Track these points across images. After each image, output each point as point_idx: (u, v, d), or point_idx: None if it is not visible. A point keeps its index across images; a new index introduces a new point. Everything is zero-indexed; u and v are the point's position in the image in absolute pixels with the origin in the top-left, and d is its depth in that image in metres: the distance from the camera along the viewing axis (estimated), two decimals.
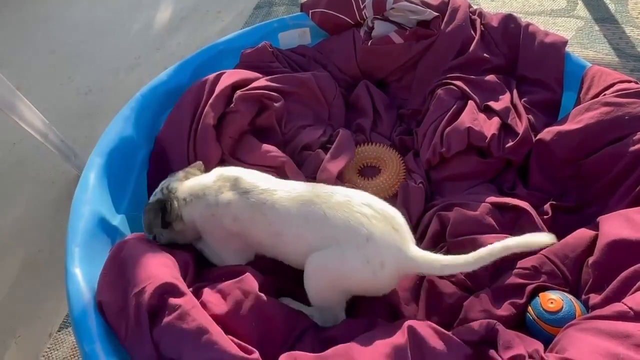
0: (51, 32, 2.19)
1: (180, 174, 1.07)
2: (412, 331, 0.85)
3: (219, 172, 1.03)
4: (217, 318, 0.87)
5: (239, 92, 1.29)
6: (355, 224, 0.87)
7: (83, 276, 0.93)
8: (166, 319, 0.82)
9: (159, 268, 0.90)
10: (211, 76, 1.35)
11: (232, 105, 1.28)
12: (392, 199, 1.26)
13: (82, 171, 1.14)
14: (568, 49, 1.37)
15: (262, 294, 0.94)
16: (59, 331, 1.18)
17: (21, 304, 1.25)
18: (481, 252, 0.87)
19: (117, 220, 1.11)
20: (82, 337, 0.85)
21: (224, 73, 1.36)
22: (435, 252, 1.08)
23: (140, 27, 2.18)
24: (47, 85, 1.92)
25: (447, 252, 1.08)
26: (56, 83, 1.93)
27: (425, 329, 0.86)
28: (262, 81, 1.36)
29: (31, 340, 1.18)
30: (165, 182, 1.06)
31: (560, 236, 1.07)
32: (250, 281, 0.94)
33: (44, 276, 1.30)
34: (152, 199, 1.05)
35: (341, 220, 0.88)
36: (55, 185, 1.53)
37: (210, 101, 1.26)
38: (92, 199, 1.08)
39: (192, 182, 1.03)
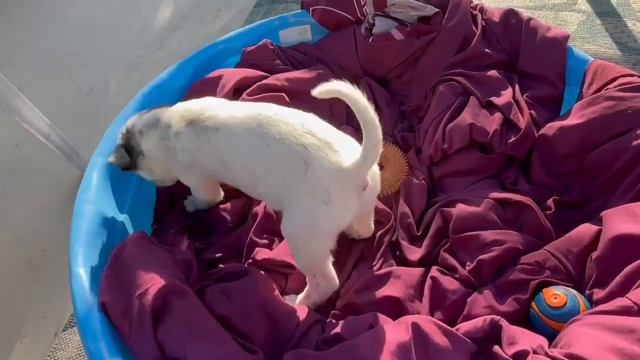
0: (52, 31, 2.19)
1: (144, 111, 1.08)
2: (416, 328, 0.85)
3: (180, 104, 1.04)
4: (221, 318, 0.87)
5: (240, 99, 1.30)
6: (293, 155, 0.86)
7: (87, 276, 0.93)
8: (170, 320, 0.82)
9: (162, 269, 0.90)
10: (213, 75, 1.35)
11: None
12: (394, 196, 1.26)
13: (85, 171, 1.15)
14: (570, 43, 1.36)
15: (266, 294, 0.94)
16: (64, 331, 1.19)
17: (26, 304, 1.25)
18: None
19: (121, 219, 1.11)
20: (87, 336, 0.86)
21: (223, 74, 1.35)
22: (438, 247, 1.10)
23: (140, 26, 2.18)
24: (48, 85, 1.92)
25: (451, 249, 1.08)
26: (57, 83, 1.93)
27: (430, 325, 0.87)
28: (264, 82, 1.36)
29: (37, 340, 1.18)
30: (126, 123, 1.07)
31: (563, 231, 1.07)
32: (254, 281, 0.95)
33: (48, 276, 1.30)
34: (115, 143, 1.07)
35: (280, 149, 0.88)
36: (58, 185, 1.53)
37: None
38: (95, 198, 1.09)
39: (148, 113, 1.05)
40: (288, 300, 1.01)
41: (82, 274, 0.94)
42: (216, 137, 0.96)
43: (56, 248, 1.35)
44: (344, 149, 0.88)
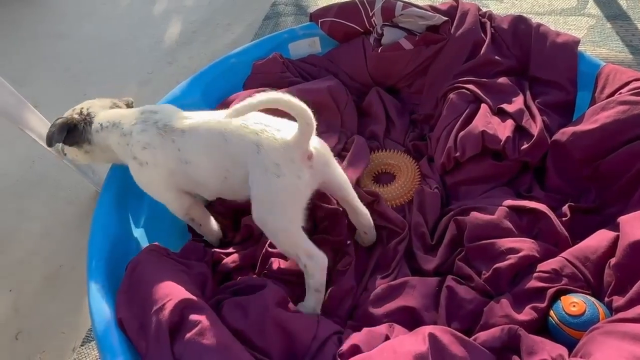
0: (65, 49, 2.23)
1: (107, 102, 1.16)
2: (433, 338, 0.85)
3: (142, 107, 1.11)
4: (237, 333, 0.87)
5: None
6: (248, 142, 0.97)
7: (105, 291, 0.94)
8: (187, 335, 0.83)
9: (178, 284, 0.91)
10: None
11: None
12: (408, 205, 1.26)
13: (100, 187, 1.16)
14: (580, 47, 1.35)
15: (282, 308, 0.94)
16: (82, 345, 1.20)
17: (44, 319, 1.27)
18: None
19: (137, 234, 1.13)
20: (105, 352, 0.86)
21: (230, 102, 1.37)
22: (453, 256, 1.09)
23: (152, 42, 2.21)
24: (63, 102, 1.92)
25: (466, 258, 1.08)
26: (72, 100, 1.93)
27: (447, 335, 0.86)
28: None
29: (55, 355, 1.19)
30: (88, 104, 1.13)
31: (579, 238, 1.06)
32: (269, 295, 0.95)
33: (66, 291, 1.31)
34: (67, 114, 1.12)
35: (238, 140, 0.98)
36: (74, 201, 1.55)
37: None
38: (111, 213, 1.10)
39: (113, 111, 1.12)
40: (299, 306, 1.03)
41: (100, 289, 0.95)
42: (182, 138, 1.03)
43: (73, 263, 1.37)
44: (288, 129, 0.98)
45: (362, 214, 1.12)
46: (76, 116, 1.10)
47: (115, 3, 2.48)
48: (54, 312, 1.28)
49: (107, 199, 1.13)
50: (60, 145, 1.14)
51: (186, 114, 1.07)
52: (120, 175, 1.17)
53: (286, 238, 1.00)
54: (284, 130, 0.98)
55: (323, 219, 1.18)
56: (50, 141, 1.07)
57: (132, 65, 2.10)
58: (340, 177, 1.08)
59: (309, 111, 0.90)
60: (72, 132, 1.09)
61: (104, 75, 2.07)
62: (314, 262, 1.00)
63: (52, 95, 1.98)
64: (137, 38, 2.25)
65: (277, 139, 0.96)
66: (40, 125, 1.35)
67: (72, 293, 1.30)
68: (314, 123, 0.92)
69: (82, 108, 1.12)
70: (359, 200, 1.12)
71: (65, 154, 1.19)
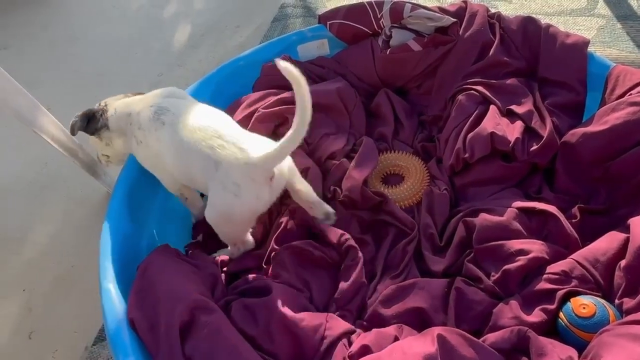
0: (77, 52, 2.26)
1: (121, 96, 1.22)
2: (442, 339, 0.85)
3: (152, 91, 1.17)
4: (246, 335, 0.88)
5: (256, 114, 1.32)
6: (204, 155, 0.98)
7: (117, 291, 0.96)
8: (197, 336, 0.84)
9: (188, 285, 0.92)
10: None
11: (249, 126, 1.31)
12: (416, 207, 1.26)
13: (112, 188, 1.18)
14: (590, 48, 1.34)
15: (290, 311, 0.95)
16: (94, 345, 1.21)
17: (57, 319, 1.28)
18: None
19: (148, 234, 1.14)
20: (117, 351, 0.87)
21: (241, 104, 1.40)
22: (462, 258, 1.09)
23: (161, 44, 2.23)
24: (74, 104, 1.94)
25: (475, 259, 1.08)
26: (83, 102, 1.95)
27: (455, 337, 0.86)
28: (282, 95, 1.38)
29: (68, 355, 1.21)
30: (104, 100, 1.21)
31: (589, 239, 1.06)
32: (276, 298, 0.96)
33: (78, 291, 1.33)
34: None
35: (196, 153, 0.99)
36: (86, 202, 1.57)
37: None
38: (122, 214, 1.12)
39: (127, 99, 1.19)
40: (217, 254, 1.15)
41: (112, 289, 0.96)
42: (161, 130, 1.06)
43: (85, 264, 1.39)
44: (252, 146, 0.98)
45: (304, 189, 1.13)
46: (95, 107, 1.19)
47: (126, 6, 2.51)
48: (66, 312, 1.29)
49: (119, 200, 1.14)
50: (95, 152, 1.27)
51: (181, 106, 1.10)
52: (131, 177, 1.18)
53: (232, 237, 1.10)
54: (250, 148, 0.97)
55: None
56: (73, 130, 1.15)
57: (143, 67, 2.12)
58: (292, 174, 1.09)
59: (307, 124, 0.88)
60: (91, 121, 1.17)
61: (115, 78, 2.09)
62: (246, 247, 1.13)
63: (64, 97, 2.01)
64: (147, 41, 2.27)
65: (238, 158, 0.95)
66: (53, 127, 1.37)
67: (84, 293, 1.32)
68: (301, 138, 0.90)
69: (100, 102, 1.21)
70: (301, 178, 1.13)
71: (98, 159, 1.28)
